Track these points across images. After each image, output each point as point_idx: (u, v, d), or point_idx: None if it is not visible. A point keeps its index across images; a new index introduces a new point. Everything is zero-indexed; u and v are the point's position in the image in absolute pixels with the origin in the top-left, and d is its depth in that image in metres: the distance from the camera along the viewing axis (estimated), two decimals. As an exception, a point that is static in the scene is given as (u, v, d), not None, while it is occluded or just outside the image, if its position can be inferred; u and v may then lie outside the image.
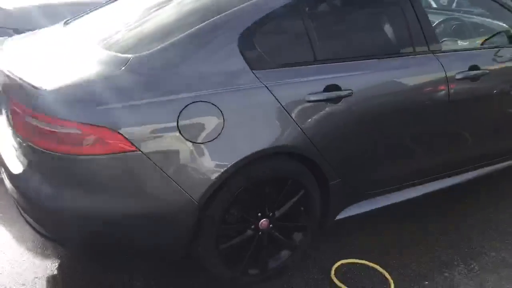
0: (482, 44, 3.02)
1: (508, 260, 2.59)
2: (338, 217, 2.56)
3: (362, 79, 2.36)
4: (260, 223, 2.25)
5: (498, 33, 3.09)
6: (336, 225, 2.57)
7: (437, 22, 3.33)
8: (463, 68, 2.67)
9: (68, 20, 2.86)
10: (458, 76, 2.64)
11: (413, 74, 2.53)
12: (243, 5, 2.19)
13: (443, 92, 2.59)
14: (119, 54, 2.07)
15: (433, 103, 2.58)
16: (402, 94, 2.47)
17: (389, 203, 2.69)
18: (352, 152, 2.41)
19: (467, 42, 3.08)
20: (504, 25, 3.09)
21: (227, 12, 2.16)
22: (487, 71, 2.75)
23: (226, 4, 2.22)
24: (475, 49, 2.96)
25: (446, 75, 2.59)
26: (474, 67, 2.71)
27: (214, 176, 1.99)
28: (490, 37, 3.05)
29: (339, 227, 2.65)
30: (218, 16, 2.15)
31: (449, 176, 2.89)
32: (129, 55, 2.03)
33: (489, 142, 2.97)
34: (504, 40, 3.05)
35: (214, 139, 1.98)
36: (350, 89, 2.29)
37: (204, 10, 2.25)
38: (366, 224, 2.82)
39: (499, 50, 2.93)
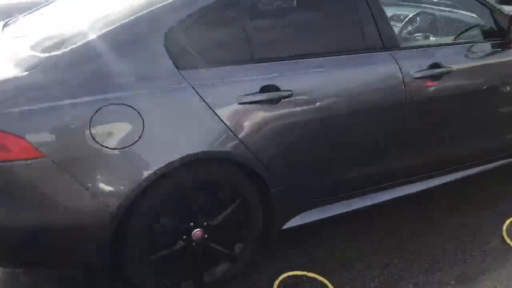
0: (455, 39, 2.84)
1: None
2: (285, 226, 2.41)
3: (303, 79, 2.19)
4: (192, 233, 2.11)
5: (471, 27, 2.90)
6: (286, 234, 2.42)
7: (408, 16, 3.14)
8: (423, 66, 2.49)
9: (8, 21, 2.73)
10: (416, 75, 2.46)
11: (362, 73, 2.36)
12: (170, 0, 2.04)
13: (399, 91, 2.41)
14: (38, 54, 1.94)
15: (386, 103, 2.40)
16: (350, 94, 2.30)
17: (342, 211, 2.52)
18: (295, 157, 2.25)
19: (434, 38, 2.89)
20: (479, 19, 2.89)
21: (152, 8, 2.01)
22: (451, 69, 2.56)
23: (153, 0, 2.07)
24: (441, 46, 2.77)
25: (402, 74, 2.41)
26: (435, 65, 2.52)
27: (132, 184, 1.85)
28: (462, 33, 2.87)
29: (288, 236, 2.50)
30: (142, 13, 2.00)
31: (411, 183, 2.71)
32: (45, 55, 1.90)
33: (457, 145, 2.78)
34: (477, 36, 2.86)
35: (131, 144, 1.83)
36: (290, 90, 2.13)
37: (131, 7, 2.10)
38: (318, 233, 2.66)
39: (469, 46, 2.75)
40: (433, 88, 2.53)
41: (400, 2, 3.23)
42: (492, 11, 2.78)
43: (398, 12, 3.05)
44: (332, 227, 2.69)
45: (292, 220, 2.41)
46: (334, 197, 2.50)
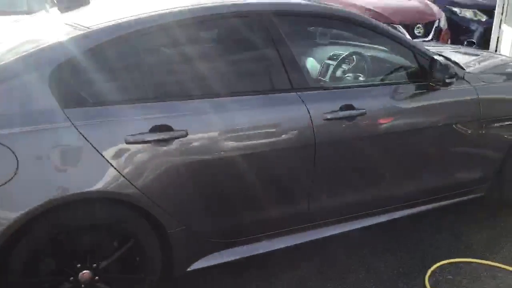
0: (376, 81, 2.84)
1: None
2: (192, 267, 2.35)
3: (199, 119, 2.18)
4: (80, 274, 2.06)
5: (397, 68, 2.90)
6: (194, 276, 2.36)
7: (334, 55, 3.13)
8: (334, 108, 2.47)
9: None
10: (327, 116, 2.43)
11: (265, 114, 2.33)
12: (59, 39, 2.06)
13: (307, 133, 2.38)
14: None
15: (293, 145, 2.37)
16: (248, 135, 2.28)
17: (254, 252, 2.46)
18: (194, 197, 2.21)
19: (353, 79, 2.85)
20: (406, 61, 2.87)
21: (39, 46, 2.03)
22: (365, 111, 2.53)
23: (44, 39, 2.09)
24: (358, 87, 2.74)
25: (310, 115, 2.39)
26: (348, 107, 2.50)
27: (4, 224, 1.82)
28: (388, 74, 2.87)
29: (195, 278, 2.44)
30: (30, 51, 2.02)
31: (326, 226, 2.64)
32: None
33: (374, 188, 2.72)
34: (402, 77, 2.84)
35: (2, 184, 1.82)
36: (184, 130, 2.11)
37: (21, 45, 2.13)
38: (224, 276, 2.59)
39: (390, 87, 2.73)
40: (346, 129, 2.49)
41: (335, 41, 3.22)
42: (414, 52, 2.77)
43: (338, 52, 3.04)
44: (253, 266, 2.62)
45: (199, 261, 2.35)
46: (248, 237, 2.44)
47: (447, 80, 2.66)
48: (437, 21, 6.84)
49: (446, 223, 3.15)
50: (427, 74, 2.70)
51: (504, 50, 6.06)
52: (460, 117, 2.85)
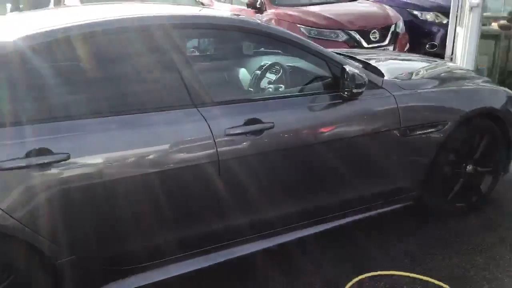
0: (288, 92, 2.77)
1: None
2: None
3: (80, 141, 2.08)
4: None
5: (314, 79, 2.82)
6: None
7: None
8: (238, 123, 2.39)
9: None
10: (230, 132, 2.35)
11: (160, 132, 2.24)
12: None
13: (208, 151, 2.30)
14: None
15: (193, 163, 2.27)
16: (144, 155, 2.18)
17: (158, 279, 2.36)
18: (82, 223, 2.11)
19: (263, 91, 2.77)
20: (321, 71, 2.80)
21: None
22: (272, 124, 2.45)
23: None
24: (267, 99, 2.65)
25: (211, 131, 2.31)
26: (254, 120, 2.42)
27: None
28: (305, 84, 2.80)
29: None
30: None
31: (241, 244, 2.55)
32: None
33: (286, 203, 2.63)
34: (316, 88, 2.77)
35: None
36: (67, 153, 2.01)
37: None
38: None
39: (303, 98, 2.66)
40: (252, 144, 2.41)
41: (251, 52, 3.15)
42: (327, 61, 2.71)
43: (254, 64, 2.98)
44: None
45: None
46: (148, 263, 2.34)
47: (354, 90, 2.58)
48: (394, 25, 6.81)
49: (373, 234, 3.07)
50: (339, 84, 2.63)
51: (459, 53, 6.02)
52: (378, 126, 2.78)
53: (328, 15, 6.58)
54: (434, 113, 2.97)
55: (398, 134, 2.84)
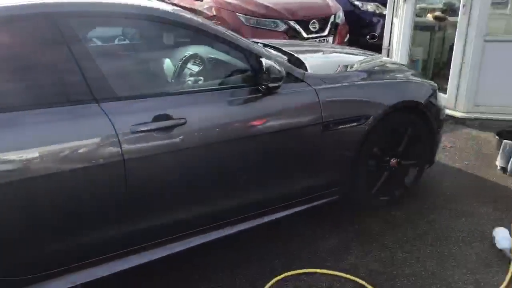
0: (204, 86, 2.64)
1: None
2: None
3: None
4: None
5: (230, 73, 2.70)
6: None
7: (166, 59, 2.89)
8: (146, 119, 2.24)
9: None
10: (137, 129, 2.20)
11: (55, 130, 2.06)
12: None
13: (111, 150, 2.14)
14: None
15: (94, 164, 2.11)
16: (36, 156, 1.99)
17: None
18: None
19: (177, 85, 2.63)
20: (242, 64, 2.68)
21: None
22: (184, 120, 2.32)
23: None
24: (181, 94, 2.51)
25: (114, 128, 2.15)
26: (164, 116, 2.28)
27: None
28: (223, 78, 2.67)
29: None
30: None
31: (153, 248, 2.42)
32: None
33: (207, 202, 2.53)
34: (234, 82, 2.65)
35: None
36: None
37: None
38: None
39: (217, 93, 2.54)
40: (162, 142, 2.28)
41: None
42: (246, 54, 2.60)
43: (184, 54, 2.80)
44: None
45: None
46: (47, 272, 2.17)
47: (270, 85, 2.49)
48: (334, 15, 6.80)
49: (298, 231, 3.02)
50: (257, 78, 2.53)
51: (395, 44, 6.10)
52: (299, 121, 2.71)
53: (267, 4, 6.47)
54: (356, 107, 2.93)
55: (320, 129, 2.78)
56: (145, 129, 2.23)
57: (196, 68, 2.65)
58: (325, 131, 2.80)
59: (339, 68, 3.21)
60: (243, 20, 6.43)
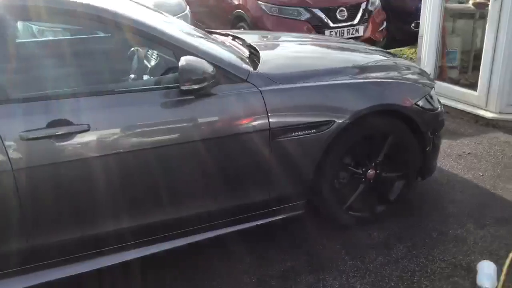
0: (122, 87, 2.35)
1: None
2: None
3: None
4: None
5: (152, 72, 2.42)
6: None
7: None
8: (39, 125, 2.01)
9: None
10: (28, 136, 1.98)
11: None
12: None
13: (-2, 158, 1.94)
14: None
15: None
16: None
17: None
18: None
19: (80, 86, 2.32)
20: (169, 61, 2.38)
21: None
22: (87, 126, 2.07)
23: None
24: (83, 96, 2.18)
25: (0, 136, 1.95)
26: (62, 122, 2.04)
27: None
28: (138, 78, 2.39)
29: None
30: None
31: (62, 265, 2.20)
32: None
33: (127, 216, 2.27)
34: (155, 81, 2.36)
35: None
36: None
37: None
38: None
39: (131, 95, 2.24)
40: (58, 150, 2.04)
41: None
42: (175, 51, 2.29)
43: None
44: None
45: None
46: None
47: (183, 87, 2.16)
48: (365, 2, 6.23)
49: (250, 250, 2.68)
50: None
51: (425, 32, 5.43)
52: (239, 127, 2.36)
53: (290, -9, 6.06)
54: (314, 111, 2.52)
55: (268, 137, 2.42)
56: (38, 136, 2.00)
57: (109, 66, 2.36)
58: (275, 139, 2.43)
59: (304, 66, 2.76)
60: (265, 9, 6.08)
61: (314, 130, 2.50)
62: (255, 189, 2.52)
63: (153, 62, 2.41)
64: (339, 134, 2.56)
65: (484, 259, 2.44)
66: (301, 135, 2.49)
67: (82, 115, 2.09)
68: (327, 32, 6.04)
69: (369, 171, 2.77)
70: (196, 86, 2.17)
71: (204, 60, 2.23)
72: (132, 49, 2.33)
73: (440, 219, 2.91)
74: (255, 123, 2.39)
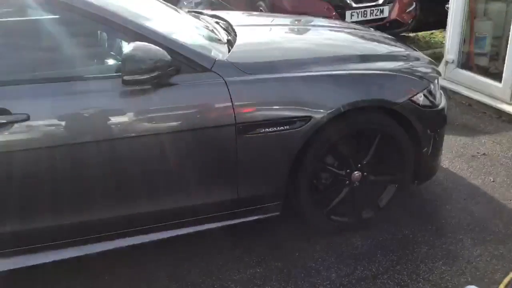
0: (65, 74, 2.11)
1: None
2: None
3: None
4: None
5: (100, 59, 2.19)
6: None
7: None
8: (-30, 113, 1.85)
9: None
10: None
11: None
12: None
13: None
14: None
15: None
16: None
17: None
18: None
19: (19, 73, 2.08)
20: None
21: None
22: (26, 116, 1.89)
23: None
24: (23, 83, 2.00)
25: None
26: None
27: None
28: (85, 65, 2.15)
29: None
30: None
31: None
32: None
33: (70, 212, 2.10)
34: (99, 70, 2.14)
35: None
36: None
37: None
38: None
39: (72, 84, 2.03)
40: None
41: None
42: (127, 36, 2.06)
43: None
44: None
45: None
46: None
47: (125, 77, 1.94)
48: (392, -19, 5.78)
49: (217, 251, 2.48)
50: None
51: (450, 15, 4.96)
52: (199, 121, 2.13)
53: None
54: (287, 106, 2.24)
55: (234, 132, 2.18)
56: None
57: (55, 51, 2.15)
58: (241, 135, 2.19)
59: (284, 55, 2.48)
60: (282, -13, 5.74)
61: (288, 127, 2.24)
62: (220, 188, 2.29)
63: (107, 47, 2.20)
64: (318, 132, 2.29)
65: (471, 284, 2.14)
66: (272, 132, 2.23)
67: (22, 104, 1.91)
68: (348, 12, 5.65)
69: (355, 173, 2.49)
70: (142, 77, 1.94)
71: (157, 47, 2.00)
72: (88, 32, 2.12)
73: (435, 230, 2.60)
74: (218, 117, 2.16)
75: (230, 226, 2.38)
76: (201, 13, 3.31)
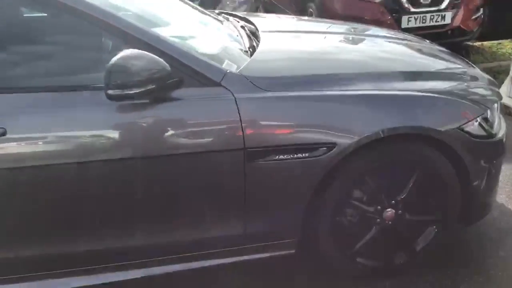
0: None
1: None
2: None
3: None
4: None
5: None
6: None
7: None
8: None
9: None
10: None
11: None
12: None
13: None
14: None
15: None
16: None
17: None
18: None
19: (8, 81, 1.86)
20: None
21: None
22: (3, 130, 1.68)
23: None
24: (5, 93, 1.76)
25: None
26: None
27: None
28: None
29: None
30: None
31: None
32: None
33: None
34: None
35: None
36: None
37: None
38: None
39: (57, 95, 1.79)
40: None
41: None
42: (123, 41, 1.80)
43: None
44: None
45: None
46: None
47: (110, 91, 1.66)
48: (455, -17, 5.24)
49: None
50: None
51: None
52: (200, 144, 1.85)
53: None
54: (307, 129, 1.91)
55: (243, 158, 1.87)
56: None
57: (43, 58, 1.92)
58: (251, 161, 1.88)
59: (310, 69, 2.13)
60: (332, -11, 5.35)
61: (307, 154, 1.91)
62: (224, 222, 1.99)
63: (103, 55, 1.95)
64: (343, 161, 1.94)
65: None
66: (287, 159, 1.90)
67: (3, 117, 1.70)
68: (404, 18, 5.17)
69: (387, 210, 2.11)
70: (132, 91, 1.67)
71: (153, 56, 1.72)
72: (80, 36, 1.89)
73: (482, 282, 2.17)
74: (224, 139, 1.85)
75: (242, 262, 2.09)
76: (233, 15, 3.02)
